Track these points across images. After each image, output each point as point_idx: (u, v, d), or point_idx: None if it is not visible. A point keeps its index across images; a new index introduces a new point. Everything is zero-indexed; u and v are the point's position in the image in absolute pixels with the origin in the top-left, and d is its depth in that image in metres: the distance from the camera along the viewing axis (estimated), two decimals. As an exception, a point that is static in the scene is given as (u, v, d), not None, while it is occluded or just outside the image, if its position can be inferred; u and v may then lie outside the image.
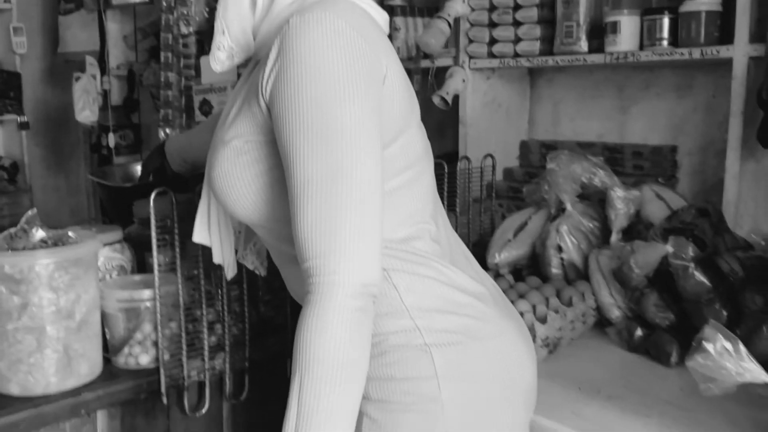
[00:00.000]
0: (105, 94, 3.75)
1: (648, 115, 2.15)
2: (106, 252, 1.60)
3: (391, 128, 1.07)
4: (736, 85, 1.69)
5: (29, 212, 1.52)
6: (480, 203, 2.02)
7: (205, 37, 3.10)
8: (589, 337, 1.72)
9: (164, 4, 3.16)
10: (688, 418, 1.32)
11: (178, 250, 1.49)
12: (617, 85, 2.21)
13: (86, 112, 3.67)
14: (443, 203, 1.84)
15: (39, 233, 1.46)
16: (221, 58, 1.17)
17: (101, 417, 1.46)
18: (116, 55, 3.76)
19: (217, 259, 1.34)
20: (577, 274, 1.80)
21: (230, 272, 1.38)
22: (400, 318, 1.09)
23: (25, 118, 4.25)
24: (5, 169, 4.25)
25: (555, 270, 1.81)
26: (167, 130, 3.19)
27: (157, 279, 1.47)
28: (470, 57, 2.22)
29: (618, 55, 1.87)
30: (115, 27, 3.75)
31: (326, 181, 0.97)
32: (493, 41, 2.16)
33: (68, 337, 1.39)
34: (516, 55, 2.10)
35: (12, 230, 1.46)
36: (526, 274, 1.85)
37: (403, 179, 1.11)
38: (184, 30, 3.10)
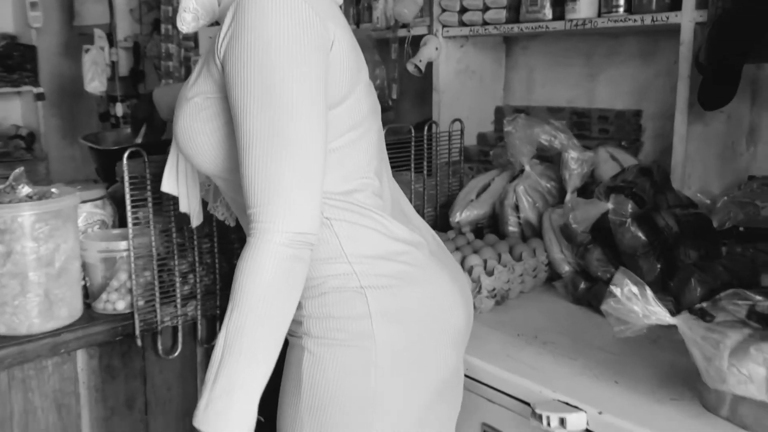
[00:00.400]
0: (113, 66, 3.89)
1: (614, 82, 2.23)
2: (88, 207, 1.73)
3: (338, 92, 1.17)
4: (684, 49, 1.77)
5: (16, 170, 1.65)
6: (448, 166, 2.12)
7: (203, 9, 3.22)
8: (541, 291, 1.82)
9: (164, -24, 3.29)
10: (611, 360, 1.42)
11: (150, 205, 1.61)
12: (585, 53, 2.29)
13: (95, 83, 3.83)
14: (411, 167, 1.96)
15: (25, 189, 1.59)
16: (187, 20, 1.26)
17: (81, 356, 1.60)
18: (123, 27, 3.89)
19: (183, 207, 1.44)
20: (533, 232, 1.90)
21: (195, 221, 1.48)
22: (339, 263, 1.20)
23: (41, 90, 4.40)
24: (23, 138, 4.42)
25: (512, 228, 1.92)
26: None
27: (131, 231, 1.59)
28: (443, 26, 2.31)
29: (577, 22, 1.95)
30: (122, 0, 3.87)
31: (267, 137, 1.07)
32: (463, 10, 2.25)
33: (48, 283, 1.52)
34: (484, 23, 2.19)
35: (0, 186, 1.60)
36: (486, 233, 1.95)
37: (349, 138, 1.21)
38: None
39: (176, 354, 1.72)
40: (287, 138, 1.08)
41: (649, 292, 1.23)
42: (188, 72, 3.25)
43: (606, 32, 2.14)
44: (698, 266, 1.56)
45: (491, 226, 2.00)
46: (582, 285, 1.70)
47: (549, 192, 1.93)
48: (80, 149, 4.82)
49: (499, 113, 2.44)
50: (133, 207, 1.59)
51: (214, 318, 1.76)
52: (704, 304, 1.20)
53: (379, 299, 1.19)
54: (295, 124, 1.08)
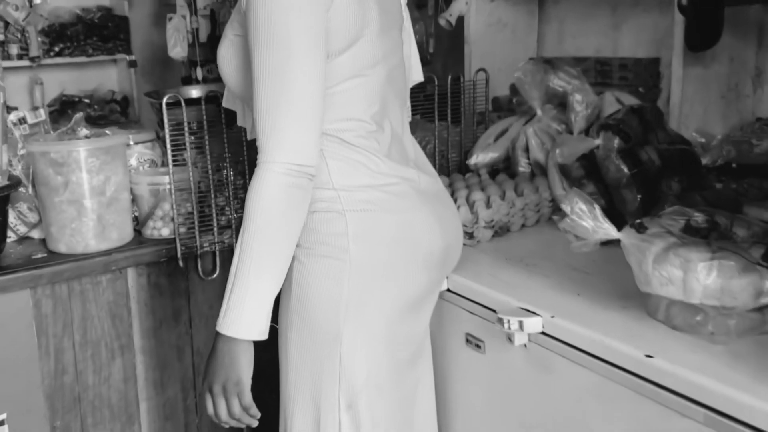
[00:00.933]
0: (194, 32, 4.18)
1: (636, 31, 2.31)
2: (139, 148, 1.99)
3: (339, 42, 1.32)
4: (678, -7, 1.86)
5: (77, 115, 1.92)
6: (473, 115, 2.27)
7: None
8: (544, 225, 1.96)
9: (233, -54, 3.52)
10: (581, 277, 1.57)
11: (188, 148, 1.85)
12: (611, 3, 2.37)
13: (177, 49, 4.13)
14: (435, 115, 2.12)
15: (83, 131, 1.86)
16: None
17: (131, 274, 1.87)
18: (204, -4, 4.17)
19: (240, 122, 1.62)
20: (542, 172, 2.03)
21: (249, 135, 1.62)
22: (327, 189, 1.37)
23: (133, 57, 4.77)
24: (117, 102, 4.80)
25: (522, 169, 2.06)
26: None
27: (171, 166, 1.84)
28: (472, -19, 2.45)
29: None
30: (202, -29, 4.15)
31: (272, 77, 1.25)
32: (490, -35, 2.39)
33: (101, 210, 1.79)
34: (509, -24, 2.32)
35: (63, 129, 1.88)
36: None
37: (350, 84, 1.36)
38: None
39: (215, 276, 1.96)
40: (286, 78, 1.24)
41: (597, 209, 1.36)
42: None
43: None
44: (678, 197, 1.67)
45: (507, 168, 2.15)
46: (576, 217, 1.83)
47: (557, 132, 2.05)
48: (171, 112, 5.20)
49: (529, 66, 2.55)
50: (175, 149, 1.83)
51: (248, 246, 1.99)
52: (643, 219, 1.33)
53: (356, 221, 1.37)
54: (293, 66, 1.25)
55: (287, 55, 1.24)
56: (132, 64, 4.77)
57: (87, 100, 4.74)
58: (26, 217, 1.88)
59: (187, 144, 1.86)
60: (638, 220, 1.32)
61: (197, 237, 1.90)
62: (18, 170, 1.88)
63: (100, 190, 1.78)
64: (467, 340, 1.60)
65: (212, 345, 1.32)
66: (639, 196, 1.69)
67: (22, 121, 1.94)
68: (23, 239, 1.91)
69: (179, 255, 1.88)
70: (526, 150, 2.06)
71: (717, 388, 1.10)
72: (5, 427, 1.74)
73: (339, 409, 1.40)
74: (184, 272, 1.94)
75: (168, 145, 1.83)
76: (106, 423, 1.89)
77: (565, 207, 1.37)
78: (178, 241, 1.87)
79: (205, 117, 1.87)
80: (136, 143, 1.99)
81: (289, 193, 1.26)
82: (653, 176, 1.71)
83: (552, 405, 1.41)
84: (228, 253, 1.97)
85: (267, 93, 1.25)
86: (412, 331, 1.49)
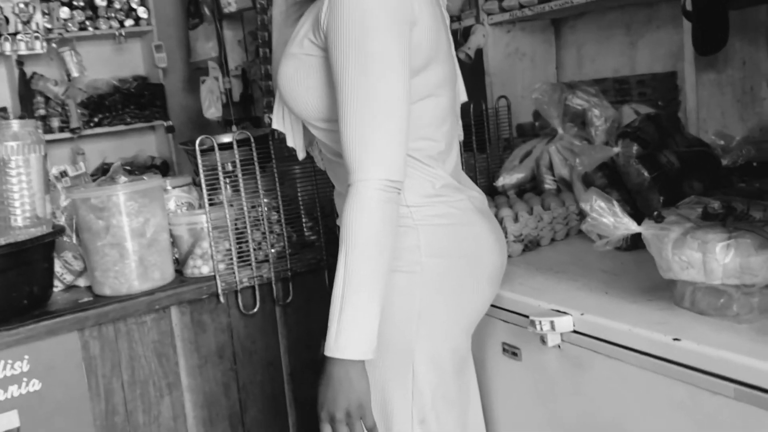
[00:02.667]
0: (228, 93, 4.33)
1: (652, 47, 2.36)
2: (177, 192, 2.08)
3: (418, 61, 1.36)
4: (688, 1, 1.90)
5: (115, 164, 2.02)
6: (498, 140, 2.33)
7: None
8: (575, 238, 1.99)
9: (258, 5, 3.67)
10: (609, 278, 1.59)
11: (223, 188, 1.93)
12: (626, 23, 2.43)
13: (212, 110, 4.27)
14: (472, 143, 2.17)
15: (122, 179, 1.95)
16: None
17: (174, 313, 1.93)
18: (233, 57, 4.33)
19: (289, 143, 1.58)
20: (568, 188, 2.07)
21: (300, 154, 1.60)
22: (400, 205, 1.37)
23: (170, 123, 4.93)
24: (158, 168, 4.94)
25: (548, 186, 2.10)
26: (270, 116, 3.69)
27: (207, 205, 1.92)
28: (487, 14, 2.53)
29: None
30: (230, 33, 4.32)
31: (365, 97, 1.27)
32: (501, -3, 2.47)
33: (142, 251, 1.86)
34: (521, 6, 2.38)
35: (103, 178, 1.97)
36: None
37: (424, 104, 1.40)
38: (276, 26, 3.59)
39: (256, 310, 2.02)
40: (380, 98, 1.27)
41: (616, 206, 1.40)
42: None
43: (641, 2, 2.28)
44: (702, 195, 1.69)
45: (533, 188, 2.18)
46: (603, 226, 1.86)
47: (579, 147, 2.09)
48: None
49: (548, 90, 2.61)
50: (210, 190, 1.92)
51: (287, 279, 2.06)
52: (661, 210, 1.36)
53: (428, 235, 1.40)
54: (386, 86, 1.27)
55: (378, 74, 1.26)
56: (169, 129, 4.93)
57: (128, 167, 4.89)
58: (71, 266, 1.97)
59: (221, 183, 1.94)
60: (657, 211, 1.35)
61: (236, 273, 1.96)
62: (62, 220, 1.98)
63: (140, 231, 1.86)
64: (504, 349, 1.63)
65: (323, 371, 1.31)
66: (662, 197, 1.72)
67: (64, 174, 2.05)
68: (69, 287, 1.99)
69: (219, 291, 1.94)
70: (551, 167, 2.10)
71: (745, 361, 1.12)
72: (61, 468, 1.79)
73: (412, 424, 1.40)
74: (225, 308, 2.00)
75: (203, 186, 1.91)
76: (158, 461, 1.93)
77: (585, 206, 1.40)
78: (218, 277, 1.94)
79: (237, 157, 1.95)
80: (174, 187, 2.07)
81: (386, 208, 1.27)
82: (674, 178, 1.73)
83: (589, 400, 1.42)
84: (267, 289, 2.03)
85: (359, 111, 1.27)
86: (468, 342, 1.52)
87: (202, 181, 1.93)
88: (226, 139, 2.37)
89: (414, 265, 1.38)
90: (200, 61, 4.69)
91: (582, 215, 1.94)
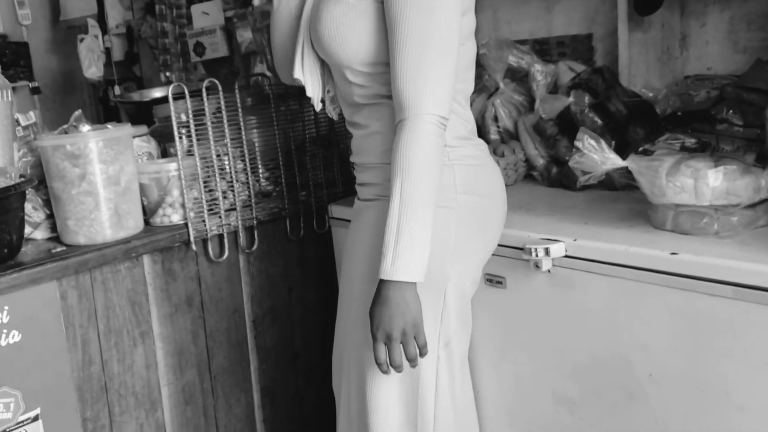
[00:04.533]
0: (107, 52, 4.18)
1: (568, 12, 2.58)
2: (137, 142, 2.05)
3: (463, 8, 1.45)
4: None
5: (75, 113, 1.97)
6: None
7: (193, -13, 3.54)
8: (522, 183, 2.17)
9: (153, -37, 3.59)
10: (581, 213, 1.78)
11: (194, 136, 1.94)
12: (542, -11, 2.64)
13: (92, 69, 4.11)
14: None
15: (86, 127, 1.91)
16: None
17: (147, 261, 1.93)
18: (113, 16, 4.17)
19: (309, 92, 1.64)
20: (511, 137, 2.25)
21: (317, 105, 1.67)
22: None
23: (36, 84, 4.67)
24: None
25: (493, 136, 2.27)
26: (167, 74, 3.63)
27: (179, 153, 1.92)
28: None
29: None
30: (110, -10, 4.16)
31: (423, 38, 1.37)
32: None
33: (117, 199, 1.84)
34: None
35: (64, 126, 1.92)
36: (471, 142, 2.30)
37: (463, 48, 1.49)
38: (173, -17, 3.53)
39: (224, 258, 2.05)
40: (437, 40, 1.37)
41: (604, 144, 1.58)
42: (183, 46, 3.56)
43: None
44: (645, 140, 1.92)
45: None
46: (554, 170, 2.06)
47: (521, 104, 2.28)
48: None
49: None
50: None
51: (251, 228, 2.10)
52: (646, 146, 1.55)
53: (463, 173, 1.52)
54: (445, 31, 1.38)
55: (437, 18, 1.36)
56: (35, 90, 4.66)
57: (-10, 131, 4.60)
58: (31, 217, 1.91)
59: (192, 132, 1.95)
60: (643, 147, 1.54)
61: (206, 221, 1.98)
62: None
63: (115, 180, 1.84)
64: (487, 280, 1.78)
65: (377, 295, 1.38)
66: (613, 142, 1.93)
67: (16, 123, 1.97)
68: (26, 240, 1.92)
69: (192, 239, 1.96)
70: (495, 119, 2.27)
71: (741, 265, 1.33)
72: (39, 422, 1.76)
73: (438, 346, 1.51)
74: (194, 257, 2.01)
75: (176, 134, 1.91)
76: (132, 411, 1.93)
77: (578, 143, 1.57)
78: (190, 225, 1.95)
79: (207, 106, 1.97)
80: (134, 137, 2.05)
81: (438, 142, 1.38)
82: (622, 125, 1.95)
83: (582, 318, 1.61)
84: (232, 236, 2.06)
85: (418, 52, 1.36)
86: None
87: (175, 129, 1.92)
88: (159, 94, 2.38)
89: (450, 201, 1.49)
90: (72, 19, 4.48)
91: (531, 166, 2.13)
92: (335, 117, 1.75)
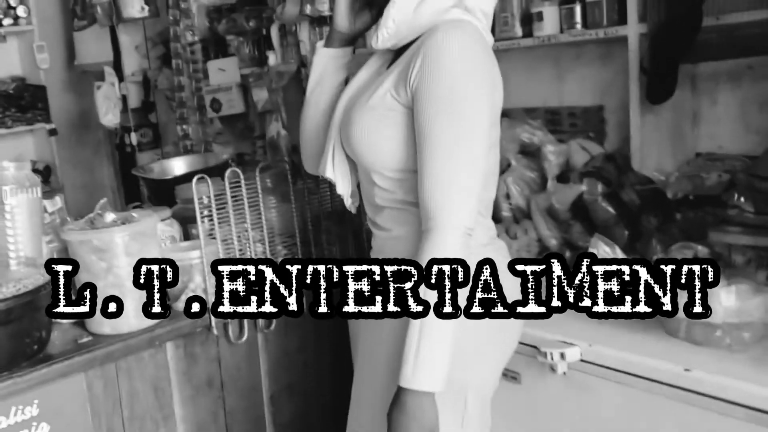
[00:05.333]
0: (123, 99, 4.24)
1: (580, 81, 2.63)
2: (160, 226, 2.10)
3: (492, 120, 1.49)
4: (632, 56, 2.17)
5: (101, 201, 2.02)
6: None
7: (208, 44, 3.60)
8: (535, 263, 2.21)
9: (170, 18, 3.65)
10: (595, 307, 1.81)
11: (216, 220, 1.99)
12: (553, 57, 2.68)
13: (109, 116, 4.18)
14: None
15: (110, 216, 1.95)
16: (384, 37, 1.52)
17: (170, 346, 1.97)
18: (130, 63, 4.24)
19: (339, 190, 1.66)
20: (523, 215, 2.29)
21: (348, 202, 1.69)
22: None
23: (53, 125, 4.74)
24: (39, 172, 4.74)
25: (505, 213, 2.31)
26: (184, 127, 3.69)
27: (202, 241, 1.97)
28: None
29: (543, 38, 2.36)
30: (126, 39, 4.23)
31: (450, 148, 1.39)
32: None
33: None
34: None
35: (90, 215, 1.97)
36: (485, 219, 2.34)
37: (487, 157, 1.51)
38: (189, 39, 3.59)
39: (243, 340, 2.09)
40: (466, 153, 1.39)
41: (618, 249, 1.63)
42: (200, 101, 3.62)
43: (569, 42, 2.53)
44: (658, 230, 1.96)
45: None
46: (568, 254, 2.10)
47: (533, 181, 2.32)
48: (91, 177, 5.19)
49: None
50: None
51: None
52: (660, 255, 1.59)
53: None
54: (473, 142, 1.40)
55: (469, 132, 1.38)
56: (52, 132, 4.74)
57: (7, 173, 4.66)
58: (57, 304, 1.96)
59: (215, 218, 2.00)
60: (657, 257, 1.58)
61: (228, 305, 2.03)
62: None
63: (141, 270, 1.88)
64: (503, 374, 1.81)
65: (396, 398, 1.41)
66: (626, 232, 1.97)
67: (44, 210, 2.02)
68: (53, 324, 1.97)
69: (213, 324, 2.00)
70: (507, 197, 2.31)
71: (753, 390, 1.37)
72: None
73: None
74: (215, 339, 2.06)
75: (198, 220, 1.96)
76: (155, 492, 1.97)
77: (593, 250, 1.61)
78: (210, 312, 2.00)
79: (228, 192, 2.01)
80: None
81: (461, 254, 1.39)
82: (635, 214, 1.99)
83: (594, 420, 1.65)
84: (251, 315, 2.11)
85: (445, 160, 1.38)
86: None
87: (198, 216, 1.97)
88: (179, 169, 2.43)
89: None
90: (87, 65, 4.55)
91: (543, 246, 2.17)
92: (354, 211, 1.79)
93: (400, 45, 1.54)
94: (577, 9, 2.31)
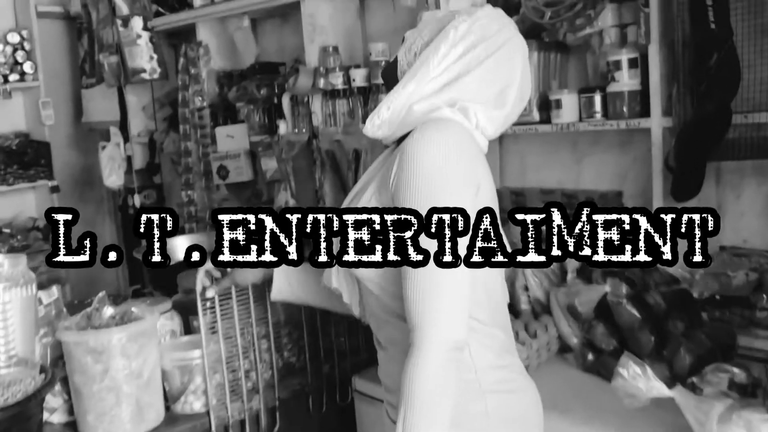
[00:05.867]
0: (128, 160, 4.18)
1: (598, 165, 2.55)
2: (160, 321, 2.00)
3: None
4: (655, 150, 2.09)
5: (99, 294, 1.93)
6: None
7: (217, 110, 3.53)
8: (554, 362, 2.10)
9: (179, 82, 3.59)
10: (622, 423, 1.70)
11: (218, 315, 1.89)
12: (572, 140, 2.60)
13: (113, 177, 4.11)
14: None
15: (108, 311, 1.86)
16: (375, 125, 1.46)
17: (167, 453, 1.86)
18: (136, 124, 4.18)
19: (346, 299, 1.58)
20: (542, 308, 2.19)
21: (355, 310, 1.60)
22: (467, 372, 1.42)
23: (55, 182, 4.65)
24: (40, 230, 4.65)
25: (524, 306, 2.21)
26: (189, 192, 3.61)
27: (204, 341, 1.87)
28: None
29: (562, 125, 2.28)
30: (133, 99, 4.17)
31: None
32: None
33: (139, 392, 1.79)
34: (480, 126, 2.50)
35: (87, 310, 1.87)
36: (501, 312, 2.24)
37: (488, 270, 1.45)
38: (198, 104, 3.53)
39: (245, 443, 1.98)
40: None
41: (649, 370, 1.52)
42: (207, 167, 3.55)
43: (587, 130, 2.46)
44: (685, 335, 1.86)
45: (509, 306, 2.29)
46: (590, 356, 1.99)
47: (552, 272, 2.22)
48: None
49: (498, 195, 2.74)
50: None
51: (274, 409, 2.03)
52: (694, 379, 1.49)
53: (495, 401, 1.44)
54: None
55: None
56: (54, 189, 4.65)
57: (8, 230, 4.58)
58: (48, 403, 1.85)
59: (218, 313, 1.90)
60: (691, 381, 1.48)
61: (228, 408, 1.92)
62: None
63: (138, 373, 1.78)
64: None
65: None
66: (652, 337, 1.86)
67: (39, 302, 1.93)
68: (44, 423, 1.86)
69: (213, 428, 1.90)
70: (526, 289, 2.21)
71: None
72: None
73: None
74: (215, 443, 1.95)
75: (200, 312, 1.85)
76: None
77: (622, 371, 1.51)
78: (212, 414, 1.89)
79: (234, 290, 1.92)
80: (157, 314, 2.00)
81: (445, 367, 1.30)
82: (661, 318, 1.89)
83: None
84: (253, 418, 2.00)
85: (425, 279, 1.31)
86: None
87: (200, 318, 1.87)
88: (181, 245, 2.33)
89: (482, 430, 1.43)
90: (94, 122, 4.49)
91: (564, 344, 2.07)
92: (365, 320, 1.68)
93: (391, 139, 1.48)
94: (597, 98, 2.24)
